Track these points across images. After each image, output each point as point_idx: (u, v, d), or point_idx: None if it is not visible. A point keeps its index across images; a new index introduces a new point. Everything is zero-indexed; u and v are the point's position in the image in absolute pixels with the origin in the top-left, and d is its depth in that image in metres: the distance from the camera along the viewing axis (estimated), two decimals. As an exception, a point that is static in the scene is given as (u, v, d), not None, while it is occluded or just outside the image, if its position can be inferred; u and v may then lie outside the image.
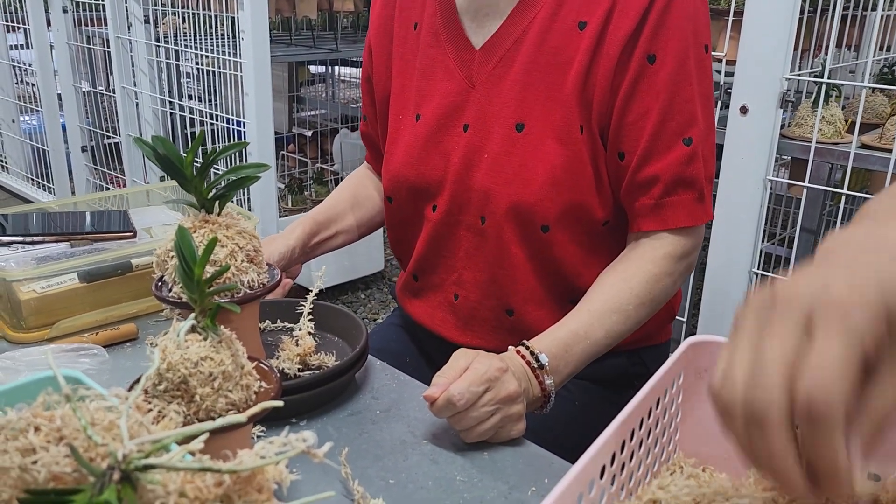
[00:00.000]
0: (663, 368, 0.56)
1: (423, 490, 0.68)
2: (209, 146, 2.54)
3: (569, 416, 0.95)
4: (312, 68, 4.93)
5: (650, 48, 0.87)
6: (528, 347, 0.81)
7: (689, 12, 0.87)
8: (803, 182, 1.65)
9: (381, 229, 1.21)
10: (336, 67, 4.70)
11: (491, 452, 0.74)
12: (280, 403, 0.49)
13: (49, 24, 3.13)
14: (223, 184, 0.73)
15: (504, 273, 0.96)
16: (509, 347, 0.82)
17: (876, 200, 0.51)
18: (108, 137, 3.21)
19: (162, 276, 0.75)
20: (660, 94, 0.87)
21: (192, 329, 0.59)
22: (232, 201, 0.80)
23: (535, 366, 0.80)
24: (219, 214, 0.74)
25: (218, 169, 2.25)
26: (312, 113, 4.34)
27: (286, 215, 2.86)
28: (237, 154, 2.48)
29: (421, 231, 1.03)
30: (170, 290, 0.73)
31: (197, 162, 0.71)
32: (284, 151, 3.79)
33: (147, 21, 2.62)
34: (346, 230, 1.14)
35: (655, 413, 0.56)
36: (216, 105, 2.50)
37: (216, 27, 2.37)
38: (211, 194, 0.73)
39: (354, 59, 4.34)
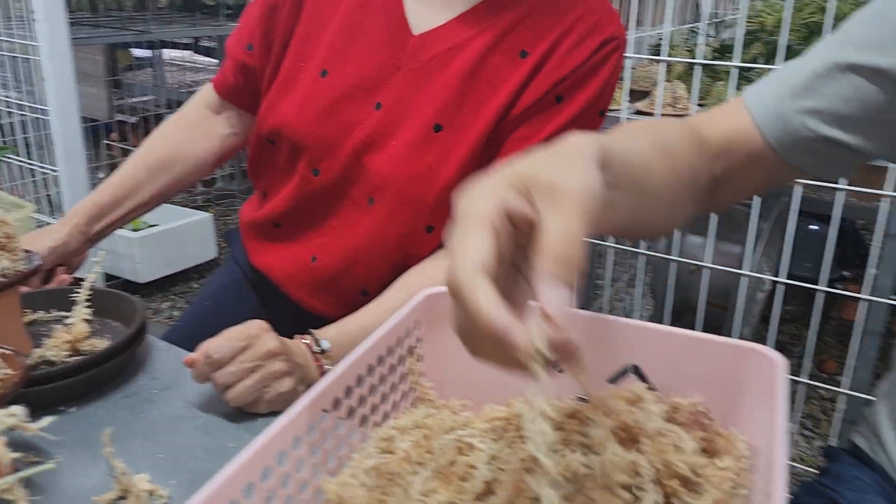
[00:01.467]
0: (396, 317, 0.60)
1: (194, 460, 0.69)
2: (18, 136, 2.38)
3: None
4: (136, 52, 4.68)
5: (565, 92, 0.92)
6: (312, 335, 0.84)
7: (605, 80, 0.93)
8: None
9: (211, 218, 1.18)
10: (163, 51, 4.48)
11: (266, 419, 0.76)
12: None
13: None
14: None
15: (372, 256, 0.96)
16: (295, 336, 0.84)
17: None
18: None
19: None
20: (546, 131, 0.92)
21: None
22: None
23: (317, 351, 0.83)
24: (-43, 201, 0.71)
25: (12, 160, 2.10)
26: (138, 99, 4.13)
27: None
28: (44, 142, 2.32)
29: (291, 186, 1.00)
30: None
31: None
32: (106, 140, 3.59)
33: (-71, 3, 2.38)
34: (147, 201, 1.08)
35: (389, 361, 0.60)
36: (24, 93, 2.32)
37: (11, 9, 2.19)
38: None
39: (176, 41, 4.17)
